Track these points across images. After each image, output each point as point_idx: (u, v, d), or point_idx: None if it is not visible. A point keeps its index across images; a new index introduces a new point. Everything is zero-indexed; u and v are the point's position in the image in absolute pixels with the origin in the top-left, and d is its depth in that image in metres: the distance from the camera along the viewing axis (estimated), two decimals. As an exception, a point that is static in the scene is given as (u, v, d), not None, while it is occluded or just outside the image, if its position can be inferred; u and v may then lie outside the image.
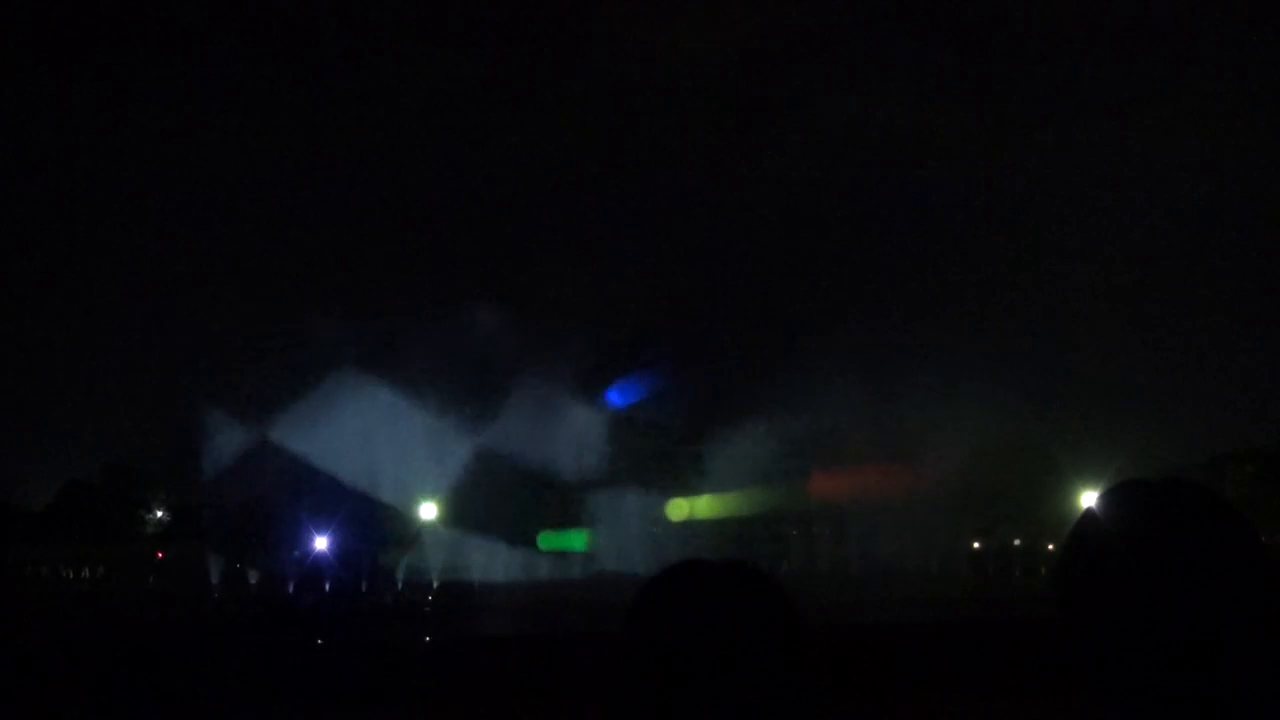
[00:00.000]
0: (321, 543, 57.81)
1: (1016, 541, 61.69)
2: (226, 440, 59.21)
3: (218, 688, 16.24)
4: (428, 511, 61.05)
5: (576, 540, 61.26)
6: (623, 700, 1.54)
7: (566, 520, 61.63)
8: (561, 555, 61.57)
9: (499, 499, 59.08)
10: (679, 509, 62.49)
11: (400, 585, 54.61)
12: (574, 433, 61.71)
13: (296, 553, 57.55)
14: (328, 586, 54.25)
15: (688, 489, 62.43)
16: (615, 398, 63.68)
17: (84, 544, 61.59)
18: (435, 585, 55.42)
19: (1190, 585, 1.49)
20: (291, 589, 54.70)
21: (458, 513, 59.85)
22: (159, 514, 70.00)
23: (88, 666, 18.12)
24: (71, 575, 60.69)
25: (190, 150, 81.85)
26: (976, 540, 62.81)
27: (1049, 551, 59.49)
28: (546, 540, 62.02)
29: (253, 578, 56.90)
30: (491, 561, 57.77)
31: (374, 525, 57.75)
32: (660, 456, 62.91)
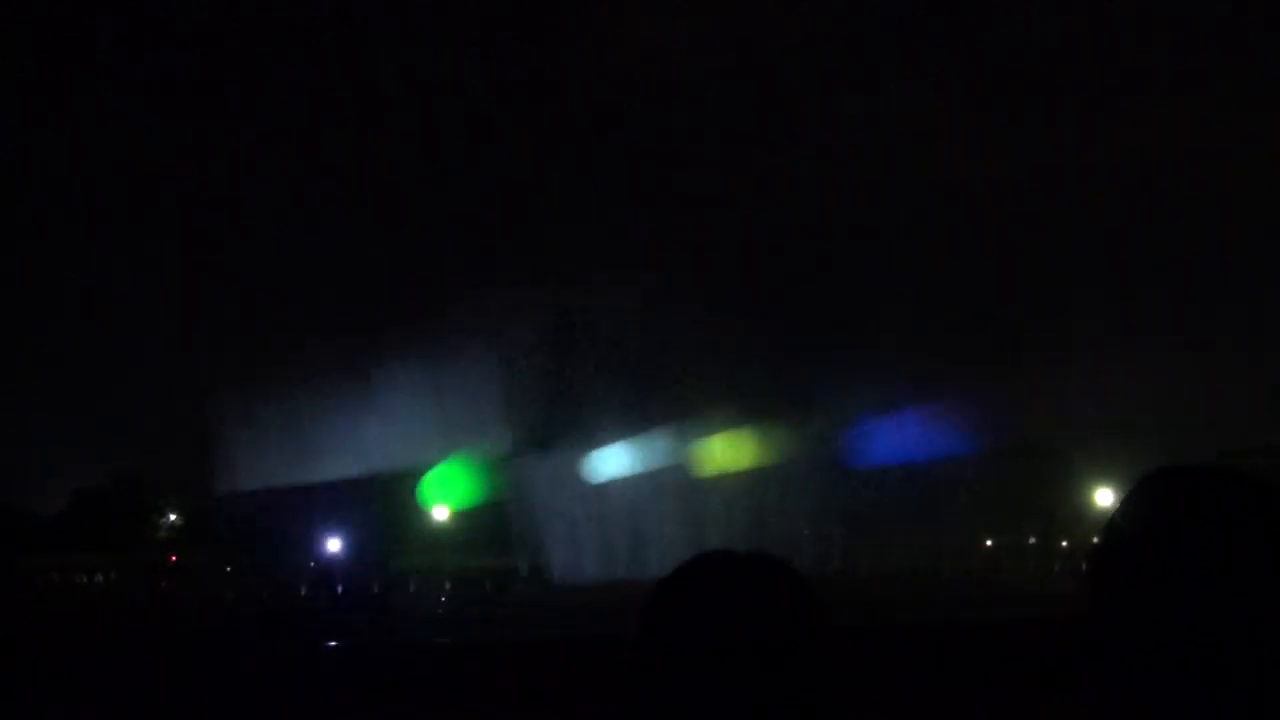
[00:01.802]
0: (334, 544, 57.99)
1: (1031, 540, 61.67)
2: (238, 443, 59.33)
3: (231, 689, 16.28)
4: (440, 513, 61.11)
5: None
6: (642, 699, 1.49)
7: None
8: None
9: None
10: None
11: (412, 587, 54.70)
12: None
13: (309, 555, 57.75)
14: (340, 588, 54.38)
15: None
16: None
17: (96, 550, 61.77)
18: (448, 587, 55.49)
19: (1233, 575, 1.46)
20: (304, 591, 54.85)
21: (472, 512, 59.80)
22: (171, 519, 70.24)
23: (101, 671, 18.18)
24: (85, 581, 60.89)
25: (200, 154, 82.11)
26: (989, 538, 62.77)
27: (1062, 549, 59.47)
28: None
29: (265, 580, 57.02)
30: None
31: (387, 527, 57.87)
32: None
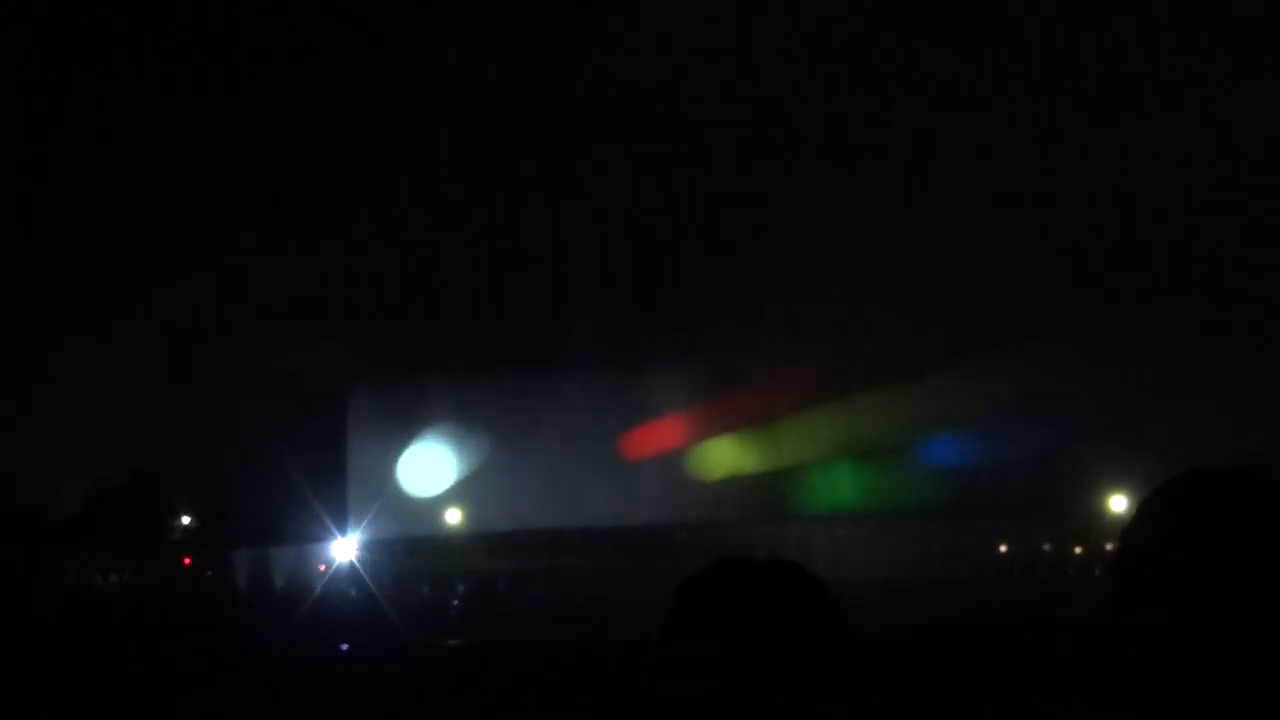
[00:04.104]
0: (348, 547, 58.16)
1: (1046, 546, 61.54)
2: (252, 444, 59.60)
3: (243, 689, 16.32)
4: (452, 516, 61.32)
5: None
6: (661, 705, 1.46)
7: None
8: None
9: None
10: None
11: (426, 589, 54.87)
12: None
13: (322, 557, 57.96)
14: (353, 591, 54.54)
15: None
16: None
17: (111, 549, 62.10)
18: (461, 590, 55.64)
19: (1258, 579, 1.43)
20: (317, 592, 54.99)
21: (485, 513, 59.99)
22: (185, 519, 70.52)
23: (116, 668, 18.26)
24: (100, 580, 61.21)
25: (212, 151, 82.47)
26: (1003, 544, 62.70)
27: (1077, 555, 59.34)
28: None
29: (278, 581, 57.25)
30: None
31: (399, 529, 58.07)
32: None
